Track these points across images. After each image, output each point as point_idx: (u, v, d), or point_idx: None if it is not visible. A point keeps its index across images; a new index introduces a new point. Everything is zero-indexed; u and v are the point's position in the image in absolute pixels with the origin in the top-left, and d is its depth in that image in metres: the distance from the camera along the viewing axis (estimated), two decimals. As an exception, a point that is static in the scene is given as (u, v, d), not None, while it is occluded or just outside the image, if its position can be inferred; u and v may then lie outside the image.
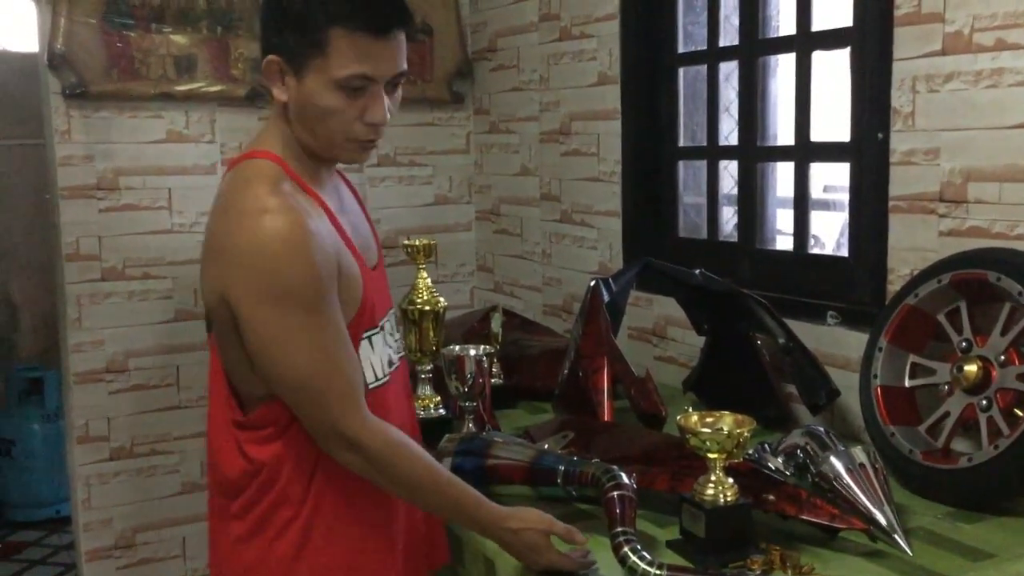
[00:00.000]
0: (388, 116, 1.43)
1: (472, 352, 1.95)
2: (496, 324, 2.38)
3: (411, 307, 2.05)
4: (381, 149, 3.31)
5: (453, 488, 1.45)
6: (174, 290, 3.04)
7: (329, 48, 1.36)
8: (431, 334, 2.05)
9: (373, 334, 1.50)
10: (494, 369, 2.22)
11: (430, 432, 1.96)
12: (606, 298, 2.13)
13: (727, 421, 1.49)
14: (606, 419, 2.00)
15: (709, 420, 1.49)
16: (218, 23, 3.00)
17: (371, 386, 1.48)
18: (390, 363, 1.56)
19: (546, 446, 1.80)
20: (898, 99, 1.94)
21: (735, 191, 2.56)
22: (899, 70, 1.94)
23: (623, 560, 1.38)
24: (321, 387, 1.37)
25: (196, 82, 2.99)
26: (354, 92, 1.38)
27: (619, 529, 1.41)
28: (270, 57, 1.40)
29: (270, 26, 1.42)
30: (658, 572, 1.35)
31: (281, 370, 1.37)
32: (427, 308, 2.05)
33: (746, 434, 1.45)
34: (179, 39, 2.94)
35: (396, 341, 1.61)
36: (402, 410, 1.62)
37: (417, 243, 2.07)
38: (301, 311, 1.34)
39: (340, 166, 1.59)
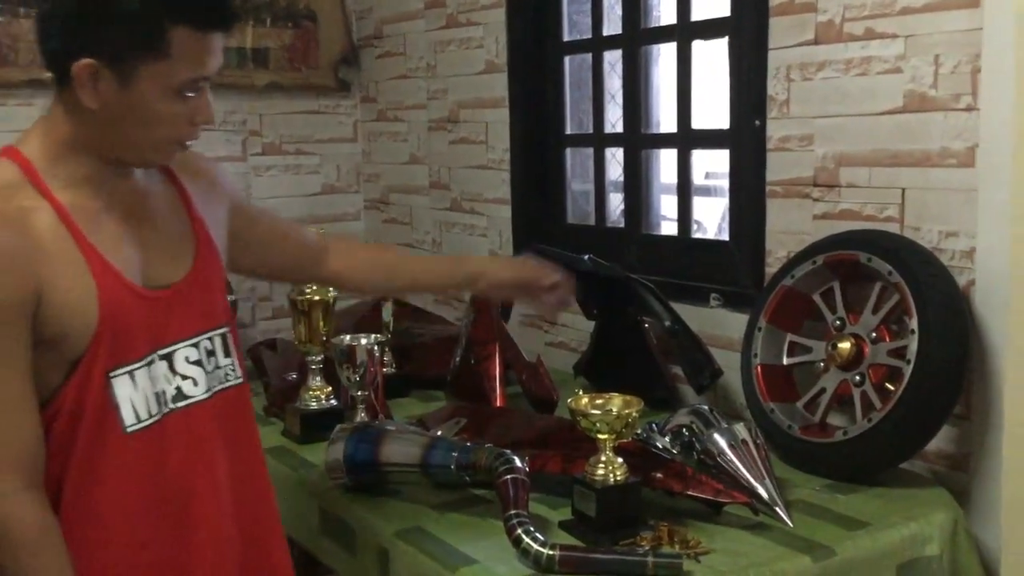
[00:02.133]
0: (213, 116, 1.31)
1: (363, 341, 1.94)
2: (387, 313, 2.37)
3: (300, 298, 2.03)
4: (266, 137, 3.25)
5: None
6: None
7: (172, 50, 1.19)
8: (321, 324, 2.03)
9: (133, 368, 1.26)
10: (386, 358, 2.22)
11: (322, 423, 1.95)
12: (496, 285, 2.14)
13: (616, 403, 1.52)
14: (498, 405, 2.02)
15: (599, 402, 1.52)
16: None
17: (131, 429, 1.26)
18: (178, 398, 1.32)
19: (439, 433, 1.81)
20: (774, 87, 2.01)
21: (621, 178, 2.61)
22: (774, 59, 2.00)
23: (517, 542, 1.39)
24: None
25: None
26: (186, 96, 1.23)
27: (512, 512, 1.43)
28: (85, 61, 1.18)
29: (79, 23, 1.19)
30: (551, 552, 1.37)
31: None
32: (316, 298, 2.02)
33: (634, 414, 1.48)
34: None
35: (223, 366, 1.38)
36: (199, 453, 1.34)
37: (305, 232, 2.03)
38: None
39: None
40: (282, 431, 2.06)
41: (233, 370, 1.40)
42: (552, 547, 1.38)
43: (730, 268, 2.18)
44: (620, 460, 1.50)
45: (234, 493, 1.38)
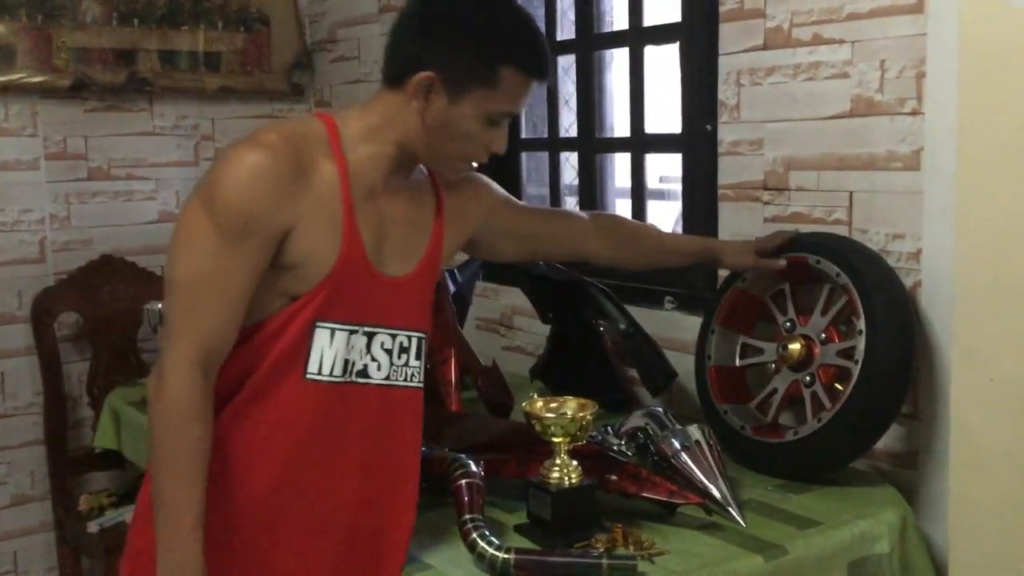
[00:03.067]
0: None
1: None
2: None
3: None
4: (219, 142, 3.22)
5: (188, 483, 1.30)
6: (-5, 292, 2.87)
7: (500, 83, 1.36)
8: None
9: (337, 327, 1.38)
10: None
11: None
12: (452, 289, 2.14)
13: (570, 406, 1.52)
14: (454, 409, 2.02)
15: (553, 405, 1.53)
16: (38, 11, 2.85)
17: (311, 377, 1.38)
18: (362, 374, 1.42)
19: (394, 438, 1.79)
20: (724, 92, 2.03)
21: (574, 181, 2.62)
22: (725, 64, 2.03)
23: (472, 546, 1.39)
24: (175, 301, 1.31)
25: (15, 73, 2.83)
26: (493, 124, 1.40)
27: (467, 516, 1.43)
28: (427, 73, 1.34)
29: (434, 42, 1.37)
30: (506, 556, 1.37)
31: (173, 271, 1.32)
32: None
33: (588, 417, 1.49)
34: (-5, 27, 2.78)
35: (412, 367, 1.47)
36: (366, 436, 1.44)
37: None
38: (211, 227, 1.29)
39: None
40: (235, 438, 2.04)
41: (418, 373, 1.49)
42: (507, 551, 1.38)
43: (684, 271, 2.19)
44: (575, 463, 1.51)
45: (372, 485, 1.44)
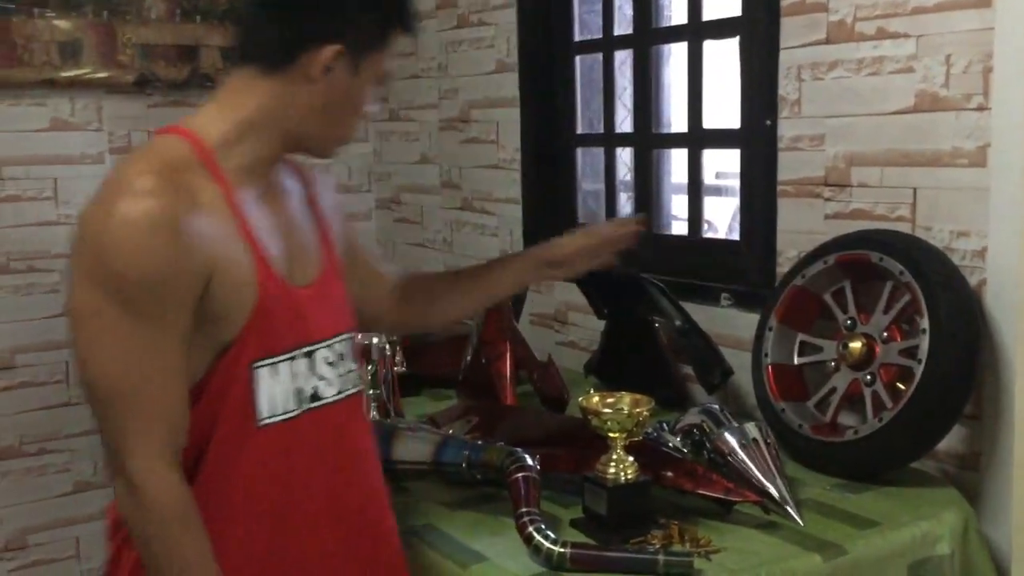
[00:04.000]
0: None
1: (375, 340, 1.94)
2: (398, 312, 2.37)
3: (311, 296, 2.03)
4: (277, 137, 3.26)
5: None
6: (61, 283, 2.93)
7: (390, 44, 1.31)
8: (332, 323, 2.03)
9: (277, 361, 1.27)
10: (397, 357, 2.22)
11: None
12: (507, 284, 2.14)
13: (626, 401, 1.52)
14: (509, 403, 2.03)
15: (609, 401, 1.53)
16: (104, 7, 2.91)
17: (262, 423, 1.27)
18: (314, 398, 1.32)
19: (451, 431, 1.81)
20: (785, 87, 2.01)
21: (628, 177, 2.61)
22: (786, 59, 2.00)
23: (528, 539, 1.40)
24: (110, 399, 1.17)
25: (82, 68, 2.89)
26: (377, 87, 1.35)
27: (523, 510, 1.43)
28: (334, 47, 1.23)
29: (331, 13, 1.25)
30: (562, 550, 1.38)
31: (91, 375, 1.18)
32: (328, 297, 2.03)
33: (645, 413, 1.49)
34: (63, 24, 2.84)
35: (342, 373, 1.37)
36: (331, 456, 1.36)
37: (316, 231, 2.04)
38: (118, 306, 1.15)
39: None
40: (294, 429, 2.07)
41: (358, 375, 1.42)
42: (563, 545, 1.38)
43: (741, 268, 2.18)
44: (631, 459, 1.50)
45: (349, 501, 1.38)
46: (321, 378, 1.33)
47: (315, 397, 1.32)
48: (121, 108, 2.99)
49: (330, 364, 1.34)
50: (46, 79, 2.82)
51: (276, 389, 1.27)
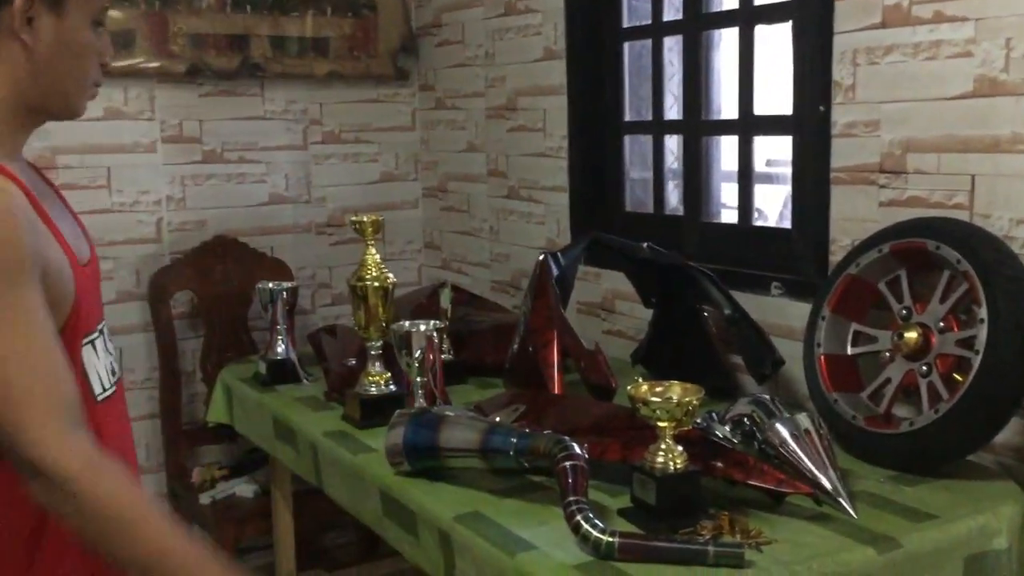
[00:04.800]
0: None
1: (422, 328, 1.95)
2: (445, 300, 2.38)
3: (359, 284, 2.04)
4: (326, 125, 3.28)
5: (169, 533, 1.15)
6: (115, 270, 2.98)
7: None
8: (380, 311, 2.04)
9: (93, 338, 1.30)
10: (444, 345, 2.22)
11: (381, 408, 1.97)
12: (555, 272, 2.14)
13: (676, 390, 1.51)
14: (557, 392, 2.02)
15: (659, 389, 1.51)
16: (156, -2, 2.95)
17: (100, 398, 1.29)
18: (113, 372, 1.36)
19: (498, 419, 1.81)
20: (839, 72, 1.97)
21: (675, 165, 2.59)
22: (840, 43, 1.97)
23: (576, 528, 1.39)
24: (17, 393, 1.10)
25: (134, 58, 2.93)
26: (95, 28, 1.27)
27: (572, 498, 1.42)
28: None
29: None
30: (610, 539, 1.37)
31: None
32: (376, 284, 2.03)
33: (695, 402, 1.47)
34: (116, 14, 2.87)
35: (113, 354, 1.38)
36: (125, 431, 1.41)
37: (366, 219, 2.05)
38: (9, 286, 1.11)
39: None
40: (341, 416, 2.09)
41: (117, 361, 1.41)
42: (612, 534, 1.37)
43: (792, 256, 2.15)
44: (680, 448, 1.49)
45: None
46: (110, 352, 1.37)
47: (114, 371, 1.36)
48: (173, 97, 3.03)
49: (109, 341, 1.37)
50: (100, 69, 2.85)
51: (99, 365, 1.31)
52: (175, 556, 1.15)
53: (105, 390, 1.32)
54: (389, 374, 2.06)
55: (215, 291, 3.04)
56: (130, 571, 1.17)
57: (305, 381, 2.39)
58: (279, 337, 2.42)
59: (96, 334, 1.31)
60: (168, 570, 1.14)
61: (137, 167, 3.00)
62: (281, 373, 2.39)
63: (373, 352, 2.07)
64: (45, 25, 1.21)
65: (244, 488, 2.87)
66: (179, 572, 1.14)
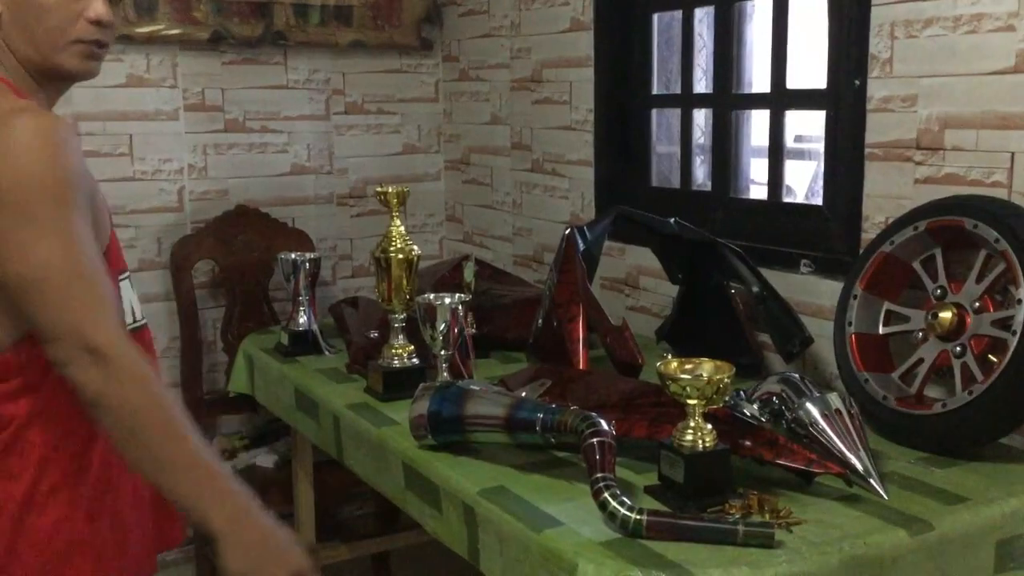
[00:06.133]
0: (112, 17, 1.37)
1: (447, 300, 1.93)
2: (469, 273, 2.35)
3: (383, 255, 2.02)
4: (348, 96, 3.25)
5: (198, 440, 1.26)
6: (137, 239, 2.97)
7: None
8: (404, 283, 2.02)
9: (124, 277, 1.45)
10: (468, 318, 2.20)
11: (404, 381, 1.96)
12: (581, 246, 2.11)
13: (706, 368, 1.48)
14: (582, 367, 2.00)
15: (688, 367, 1.49)
16: (179, -36, 2.91)
17: (131, 327, 1.42)
18: (135, 318, 1.48)
19: (523, 394, 1.79)
20: (876, 45, 1.93)
21: (702, 140, 2.55)
22: (877, 15, 1.92)
23: (603, 505, 1.37)
24: (62, 283, 1.20)
25: (157, 24, 2.90)
26: None
27: (599, 475, 1.40)
28: None
29: None
30: (638, 517, 1.35)
31: (17, 266, 1.20)
32: (400, 256, 2.01)
33: (726, 380, 1.45)
34: (139, -20, 2.85)
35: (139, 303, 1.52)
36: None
37: (391, 190, 2.03)
38: (50, 202, 1.21)
39: None
40: (364, 388, 2.07)
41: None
42: (640, 512, 1.35)
43: (823, 233, 2.11)
44: (709, 427, 1.47)
45: None
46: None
47: (135, 318, 1.48)
48: (196, 65, 3.00)
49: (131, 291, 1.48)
50: (123, 35, 2.83)
51: (131, 299, 1.45)
52: (205, 469, 1.25)
53: (136, 321, 1.45)
54: (412, 347, 2.05)
55: (236, 261, 3.02)
56: (157, 471, 1.25)
57: (327, 352, 2.38)
58: (301, 308, 2.41)
59: (126, 273, 1.45)
60: (202, 468, 1.24)
61: (159, 135, 2.98)
62: (303, 344, 2.38)
63: (396, 324, 2.05)
64: None
65: (264, 459, 2.87)
66: (214, 470, 1.26)
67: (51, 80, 1.39)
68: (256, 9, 3.03)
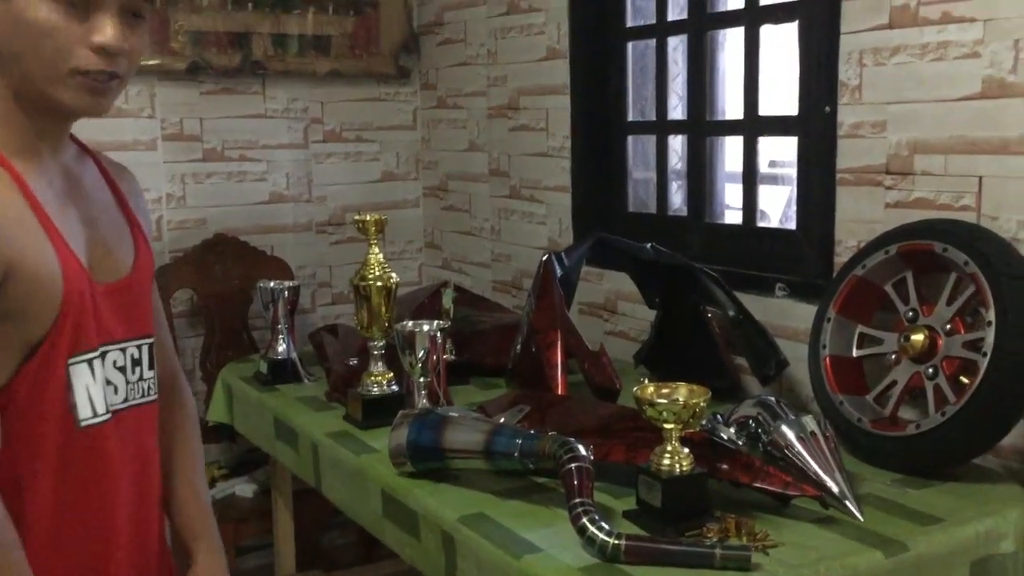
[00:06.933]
0: (124, 45, 1.15)
1: (425, 328, 1.94)
2: (448, 300, 2.37)
3: (363, 283, 2.03)
4: (327, 124, 3.27)
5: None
6: (115, 269, 2.97)
7: None
8: (383, 310, 2.03)
9: (90, 358, 1.20)
10: (447, 344, 2.21)
11: (384, 408, 1.96)
12: (559, 272, 2.13)
13: (682, 392, 1.49)
14: (560, 393, 2.01)
15: (665, 391, 1.50)
16: (157, -5, 2.93)
17: (84, 423, 1.20)
18: (125, 401, 1.27)
19: (502, 420, 1.80)
20: (845, 72, 1.96)
21: (679, 165, 2.58)
22: (846, 43, 1.96)
23: (582, 531, 1.38)
24: None
25: (135, 55, 2.91)
26: (75, 7, 1.12)
27: (577, 500, 1.41)
28: None
29: None
30: (616, 542, 1.36)
31: None
32: (379, 284, 2.02)
33: (702, 404, 1.46)
34: (117, 11, 2.86)
35: (147, 379, 1.31)
36: (141, 469, 1.30)
37: (369, 218, 2.04)
38: None
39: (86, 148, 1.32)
40: (343, 416, 2.07)
41: (154, 384, 1.33)
42: (618, 536, 1.36)
43: (797, 257, 2.14)
44: (686, 450, 1.48)
45: (137, 512, 1.31)
46: (110, 383, 1.25)
47: (125, 400, 1.27)
48: (174, 95, 3.01)
49: (120, 368, 1.26)
50: (100, 66, 2.84)
51: (94, 387, 1.20)
52: None
53: (96, 416, 1.21)
54: (392, 374, 2.05)
55: (215, 290, 3.02)
56: None
57: (306, 380, 2.37)
58: (280, 336, 2.41)
59: (93, 353, 1.20)
60: None
61: (137, 165, 2.90)
62: (282, 372, 2.38)
63: (375, 352, 2.05)
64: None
65: (244, 488, 2.86)
66: None
67: (45, 114, 1.18)
68: (234, 39, 3.05)
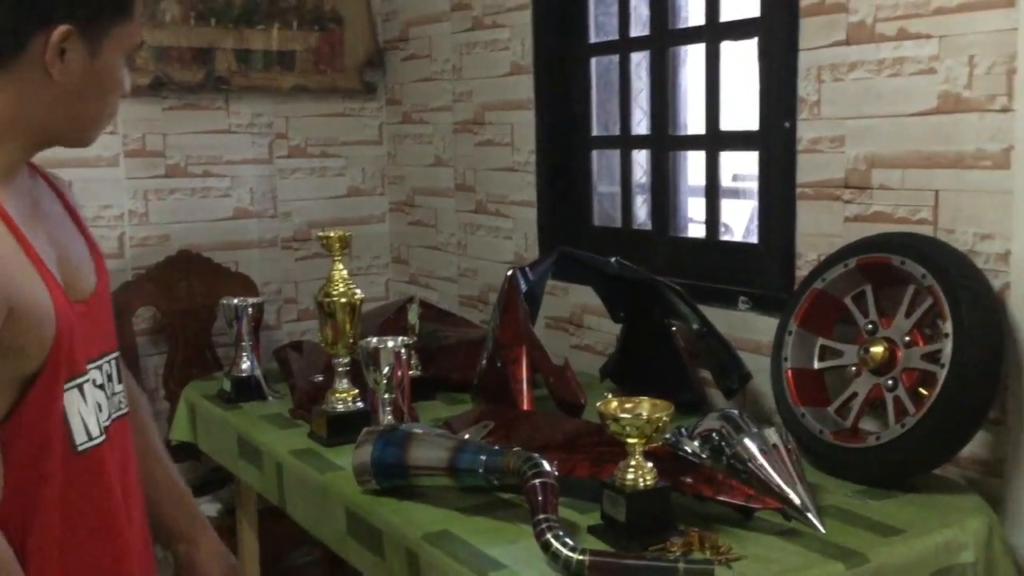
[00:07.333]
0: None
1: (390, 344, 1.93)
2: (413, 315, 2.36)
3: (327, 299, 2.02)
4: (292, 140, 3.26)
5: None
6: (77, 287, 2.93)
7: (133, 10, 1.18)
8: (347, 327, 2.02)
9: (81, 381, 1.20)
10: (412, 360, 2.21)
11: (348, 425, 1.95)
12: (523, 287, 2.13)
13: (645, 406, 1.50)
14: (526, 408, 2.01)
15: (628, 406, 1.50)
16: (119, 10, 2.91)
17: (82, 447, 1.20)
18: (109, 417, 1.27)
19: (467, 436, 1.80)
20: (804, 88, 1.99)
21: (644, 179, 2.59)
22: (805, 60, 1.98)
23: (546, 546, 1.38)
24: None
25: (97, 71, 2.89)
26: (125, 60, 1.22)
27: (541, 516, 1.41)
28: (63, 27, 1.11)
29: None
30: (580, 557, 1.36)
31: None
32: (343, 301, 2.01)
33: (665, 418, 1.47)
34: (78, 26, 2.84)
35: (118, 393, 1.31)
36: (127, 480, 1.31)
37: (333, 235, 2.03)
38: None
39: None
40: (308, 433, 2.06)
41: (125, 397, 1.34)
42: (582, 552, 1.36)
43: (759, 271, 2.16)
44: (650, 464, 1.49)
45: (132, 531, 1.31)
46: (109, 397, 1.27)
47: (110, 416, 1.27)
48: (136, 111, 2.99)
49: (100, 386, 1.25)
50: (61, 82, 2.81)
51: (86, 410, 1.21)
52: None
53: (92, 439, 1.22)
54: (357, 391, 2.04)
55: (179, 307, 3.00)
56: None
57: (271, 398, 2.36)
58: (244, 353, 2.39)
59: (83, 376, 1.21)
60: None
61: (100, 181, 2.95)
62: (246, 390, 2.36)
63: (340, 368, 2.04)
64: (77, 60, 1.14)
65: (208, 507, 2.83)
66: None
67: (48, 143, 1.21)
68: (198, 55, 3.04)
